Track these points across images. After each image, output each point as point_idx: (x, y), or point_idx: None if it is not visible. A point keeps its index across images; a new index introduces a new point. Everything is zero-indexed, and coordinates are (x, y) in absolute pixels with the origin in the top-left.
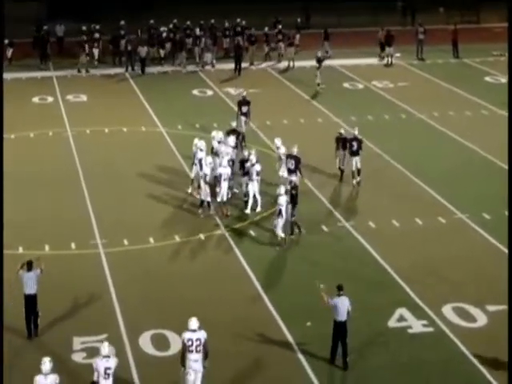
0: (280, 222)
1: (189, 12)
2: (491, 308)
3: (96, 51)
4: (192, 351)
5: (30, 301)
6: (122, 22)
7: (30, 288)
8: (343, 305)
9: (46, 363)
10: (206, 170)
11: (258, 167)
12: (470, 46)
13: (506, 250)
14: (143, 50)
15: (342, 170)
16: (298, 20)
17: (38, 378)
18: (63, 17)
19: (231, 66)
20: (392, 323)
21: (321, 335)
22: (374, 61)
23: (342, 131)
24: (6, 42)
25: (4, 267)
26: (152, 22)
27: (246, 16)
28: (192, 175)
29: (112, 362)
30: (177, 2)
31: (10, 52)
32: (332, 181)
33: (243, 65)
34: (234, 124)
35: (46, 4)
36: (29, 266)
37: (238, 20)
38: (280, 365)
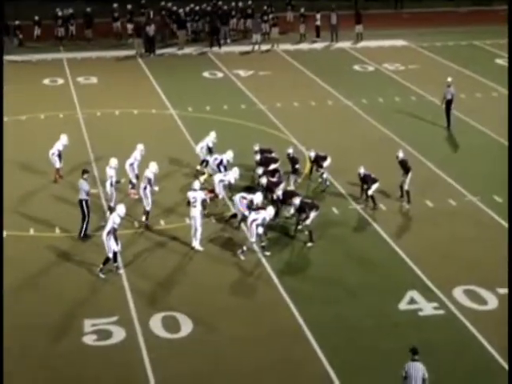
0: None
1: None
2: (502, 291)
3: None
4: (195, 206)
5: (80, 204)
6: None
7: (80, 193)
8: (417, 372)
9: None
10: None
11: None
12: (481, 29)
13: None
14: (151, 29)
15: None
16: None
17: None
18: None
19: (240, 48)
20: (403, 306)
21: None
22: (384, 43)
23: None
24: (35, 19)
25: (13, 247)
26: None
27: None
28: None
29: None
30: None
31: (38, 31)
32: (341, 164)
33: (250, 47)
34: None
35: None
36: (83, 173)
37: (250, 2)
38: (293, 350)
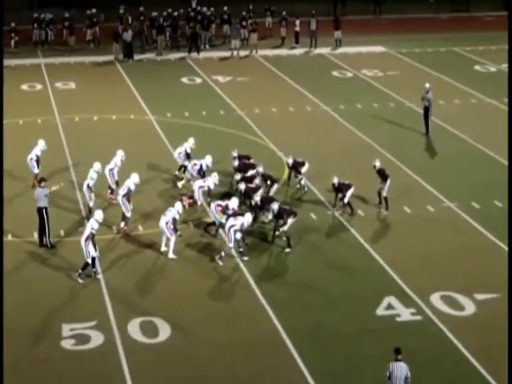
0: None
1: None
2: (479, 297)
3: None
4: (165, 215)
5: (40, 212)
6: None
7: (39, 202)
8: (400, 372)
9: None
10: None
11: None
12: (460, 35)
13: (494, 239)
14: (128, 35)
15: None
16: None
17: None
18: (53, 4)
19: (219, 54)
20: (380, 311)
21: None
22: (363, 49)
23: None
24: (12, 26)
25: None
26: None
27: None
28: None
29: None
30: None
31: (16, 38)
32: (319, 170)
33: (228, 53)
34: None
35: None
36: (40, 182)
37: (225, 8)
38: (271, 356)
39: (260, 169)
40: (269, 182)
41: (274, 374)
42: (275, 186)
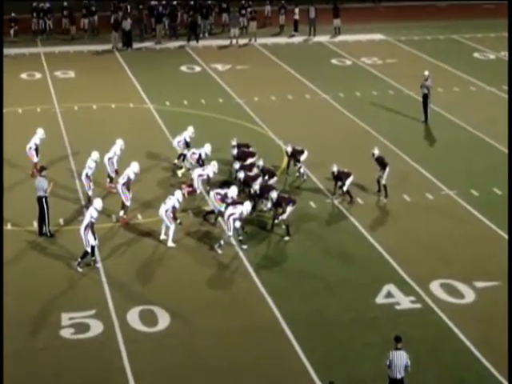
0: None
1: None
2: (479, 284)
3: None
4: (165, 203)
5: (40, 201)
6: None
7: (39, 191)
8: (400, 360)
9: None
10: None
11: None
12: (459, 23)
13: (493, 226)
14: (127, 24)
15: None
16: None
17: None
18: None
19: (218, 42)
20: (380, 299)
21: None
22: (362, 37)
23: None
24: (12, 16)
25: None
26: None
27: None
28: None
29: None
30: None
31: (15, 27)
32: (318, 158)
33: (227, 41)
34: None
35: None
36: (40, 171)
37: None
38: (270, 344)
39: (260, 162)
40: (266, 177)
41: (273, 361)
42: (274, 179)
